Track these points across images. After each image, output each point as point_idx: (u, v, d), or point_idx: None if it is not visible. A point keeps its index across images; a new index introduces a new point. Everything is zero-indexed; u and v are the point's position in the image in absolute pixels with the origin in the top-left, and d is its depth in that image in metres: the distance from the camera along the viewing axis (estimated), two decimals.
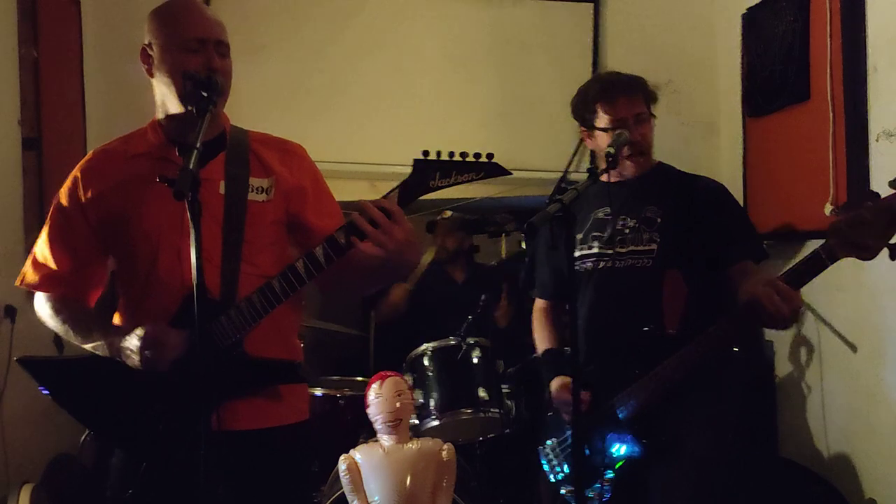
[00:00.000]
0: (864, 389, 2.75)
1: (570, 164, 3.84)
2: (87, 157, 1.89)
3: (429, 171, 1.61)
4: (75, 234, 1.83)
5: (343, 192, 3.33)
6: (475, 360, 3.10)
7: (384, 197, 1.63)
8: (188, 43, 1.73)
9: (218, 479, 1.47)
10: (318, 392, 3.42)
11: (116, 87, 3.78)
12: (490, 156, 1.62)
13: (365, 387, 2.55)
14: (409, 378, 3.07)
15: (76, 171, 1.86)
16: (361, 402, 2.62)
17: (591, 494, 2.07)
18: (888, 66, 2.62)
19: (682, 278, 2.05)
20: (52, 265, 1.84)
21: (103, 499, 3.10)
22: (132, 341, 1.68)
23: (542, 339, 2.39)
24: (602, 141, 2.17)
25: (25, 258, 1.92)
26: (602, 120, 2.18)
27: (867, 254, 1.71)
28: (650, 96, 2.21)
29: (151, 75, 1.82)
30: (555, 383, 2.25)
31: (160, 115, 1.85)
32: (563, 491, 2.21)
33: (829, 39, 2.86)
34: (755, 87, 3.44)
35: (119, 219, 1.78)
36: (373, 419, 2.45)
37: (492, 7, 3.93)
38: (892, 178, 1.70)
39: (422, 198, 3.71)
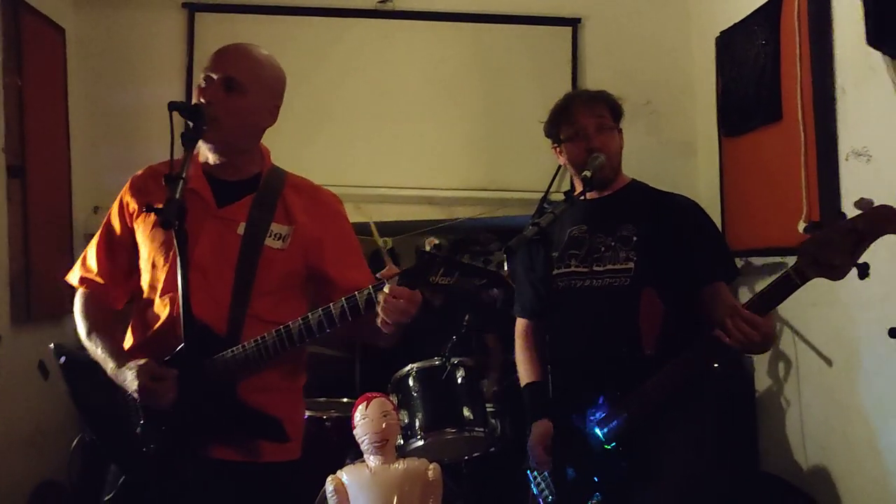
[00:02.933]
0: (839, 403, 2.80)
1: (551, 184, 3.89)
2: (140, 171, 1.96)
3: (433, 266, 1.60)
4: (117, 241, 1.91)
5: None
6: (459, 380, 3.13)
7: (382, 275, 1.65)
8: (199, 79, 1.82)
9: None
10: (304, 415, 3.43)
11: (100, 114, 3.82)
12: (501, 266, 1.61)
13: (350, 408, 2.56)
14: (394, 398, 3.09)
15: (128, 183, 1.93)
16: (347, 424, 2.64)
17: None
18: (855, 88, 2.69)
19: (658, 297, 2.05)
20: (95, 268, 1.92)
21: None
22: (128, 377, 1.72)
23: (525, 370, 2.36)
24: (570, 153, 2.17)
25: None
26: (565, 131, 2.19)
27: (835, 273, 1.71)
28: (615, 108, 2.21)
29: None
30: (536, 430, 2.22)
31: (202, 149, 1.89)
32: None
33: (798, 62, 2.93)
34: (730, 107, 3.51)
35: (143, 237, 1.85)
36: (359, 440, 2.47)
37: (472, 30, 4.00)
38: (859, 198, 1.74)
39: (403, 220, 3.71)
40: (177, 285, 1.65)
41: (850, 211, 2.69)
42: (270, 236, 1.81)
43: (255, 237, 1.79)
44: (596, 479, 2.03)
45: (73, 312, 1.96)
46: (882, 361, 2.57)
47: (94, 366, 1.83)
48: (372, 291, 1.64)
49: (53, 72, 3.58)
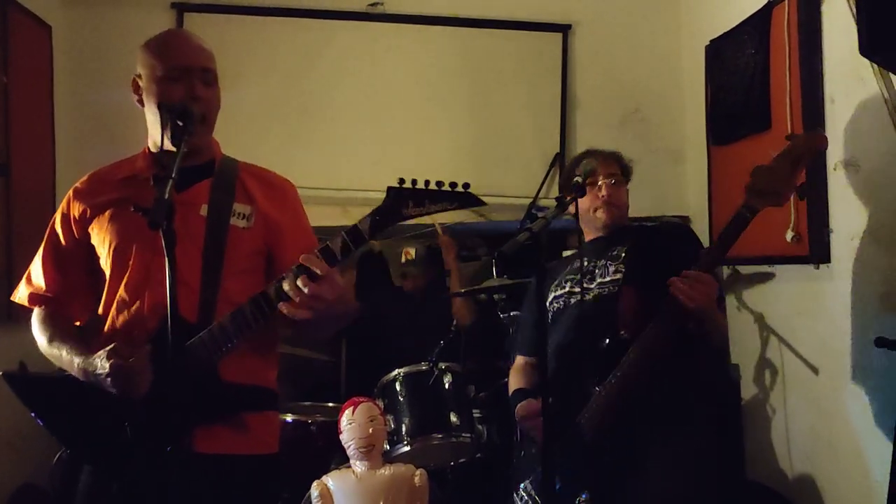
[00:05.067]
0: (825, 411, 2.81)
1: (539, 189, 3.91)
2: (81, 180, 1.93)
3: (402, 199, 1.60)
4: (66, 254, 1.88)
5: (317, 217, 3.32)
6: (446, 386, 3.12)
7: (357, 223, 1.64)
8: (171, 72, 1.76)
9: (185, 500, 1.47)
10: (289, 418, 3.40)
11: (87, 113, 3.78)
12: (466, 185, 1.60)
13: (336, 413, 2.55)
14: (380, 403, 3.07)
15: (70, 192, 1.91)
16: (333, 428, 2.62)
17: None
18: (844, 98, 2.71)
19: (636, 291, 2.14)
20: (42, 284, 1.89)
21: None
22: (97, 364, 1.68)
23: (514, 385, 2.43)
24: (583, 203, 2.30)
25: None
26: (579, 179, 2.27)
27: (779, 199, 1.94)
28: (626, 168, 2.41)
29: (142, 105, 1.84)
30: (520, 407, 2.28)
31: (150, 144, 1.88)
32: None
33: (787, 71, 2.95)
34: (719, 116, 3.52)
35: (100, 240, 1.82)
36: (346, 445, 2.46)
37: (463, 36, 4.00)
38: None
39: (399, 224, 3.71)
40: (146, 282, 1.70)
41: (838, 218, 2.72)
42: (234, 216, 1.80)
43: (219, 218, 1.78)
44: (582, 473, 2.06)
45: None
46: (868, 370, 2.58)
47: (50, 380, 1.82)
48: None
49: (39, 69, 3.55)
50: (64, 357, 1.79)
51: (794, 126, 2.91)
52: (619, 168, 2.39)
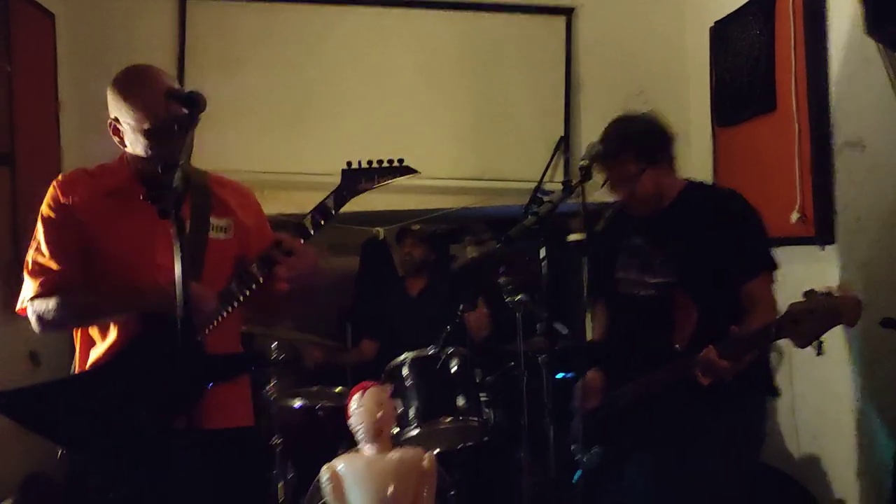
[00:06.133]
0: (832, 393, 2.81)
1: (544, 173, 3.90)
2: (61, 176, 1.98)
3: (356, 177, 1.88)
4: (68, 235, 1.90)
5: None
6: (454, 369, 3.13)
7: (323, 201, 1.88)
8: (157, 124, 1.83)
9: (192, 476, 1.54)
10: (297, 403, 3.43)
11: (90, 101, 3.73)
12: (401, 160, 1.92)
13: (343, 398, 2.57)
14: (388, 388, 3.09)
15: (54, 185, 1.94)
16: (340, 414, 2.64)
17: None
18: (850, 78, 2.70)
19: (691, 299, 2.19)
20: (55, 267, 1.90)
21: None
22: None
23: (596, 332, 2.61)
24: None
25: None
26: (601, 177, 2.31)
27: (801, 341, 1.90)
28: (643, 147, 2.27)
29: (124, 146, 1.93)
30: (586, 377, 2.44)
31: (130, 156, 1.94)
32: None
33: (793, 52, 2.93)
34: (724, 97, 3.51)
35: (88, 238, 1.89)
36: (354, 429, 2.47)
37: (465, 20, 3.98)
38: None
39: (396, 210, 3.75)
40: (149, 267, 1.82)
41: (843, 199, 2.72)
42: (213, 229, 1.95)
43: (199, 232, 1.92)
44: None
45: None
46: (874, 352, 2.58)
47: (39, 390, 1.88)
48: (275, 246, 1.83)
49: (43, 58, 3.53)
50: (116, 296, 1.86)
51: (799, 107, 2.89)
52: (631, 155, 2.26)
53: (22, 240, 3.19)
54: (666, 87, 3.96)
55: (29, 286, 1.92)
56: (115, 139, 1.93)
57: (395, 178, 1.92)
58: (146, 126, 1.83)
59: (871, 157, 2.62)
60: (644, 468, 2.32)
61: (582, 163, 2.09)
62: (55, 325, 1.91)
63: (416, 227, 3.96)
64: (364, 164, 1.89)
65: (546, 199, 1.96)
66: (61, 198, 1.91)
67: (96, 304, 1.88)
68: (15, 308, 1.98)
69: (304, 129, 3.82)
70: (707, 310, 2.18)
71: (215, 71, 3.72)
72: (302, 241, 1.86)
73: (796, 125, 2.90)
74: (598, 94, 3.99)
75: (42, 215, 1.94)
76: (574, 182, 2.08)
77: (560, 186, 2.10)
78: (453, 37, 3.99)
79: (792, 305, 1.90)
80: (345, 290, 4.72)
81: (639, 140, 2.28)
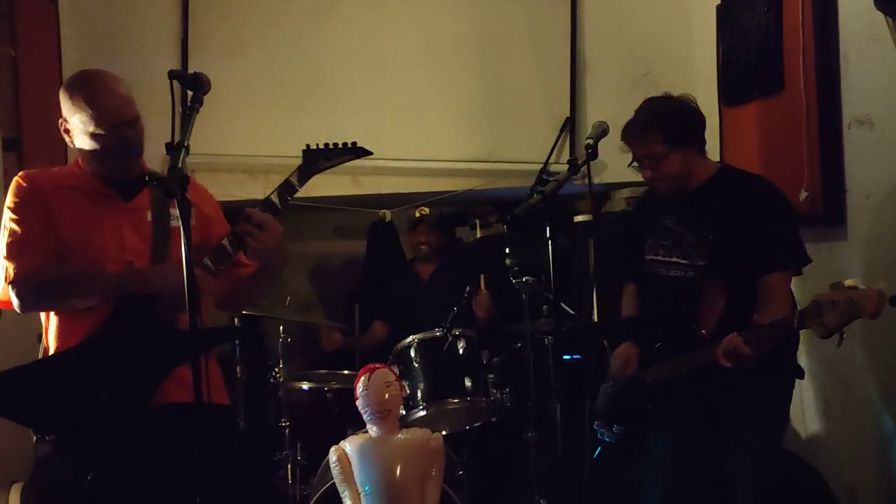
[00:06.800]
0: (839, 373, 2.81)
1: (550, 155, 3.88)
2: (23, 172, 2.05)
3: (316, 157, 2.04)
4: (41, 218, 1.96)
5: (326, 186, 3.37)
6: (461, 351, 3.14)
7: (288, 178, 2.02)
8: (104, 130, 1.93)
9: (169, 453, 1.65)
10: (306, 386, 3.45)
11: None
12: (354, 143, 2.09)
13: (351, 380, 2.57)
14: (395, 369, 3.10)
15: (18, 179, 2.01)
16: (349, 396, 2.65)
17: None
18: (859, 55, 2.67)
19: (722, 287, 2.23)
20: (36, 248, 1.95)
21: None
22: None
23: (626, 310, 2.65)
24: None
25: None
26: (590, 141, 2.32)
27: (824, 331, 1.91)
28: (670, 129, 2.28)
29: (73, 144, 2.03)
30: (620, 348, 2.51)
31: (81, 160, 2.05)
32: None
33: (801, 29, 2.90)
34: (730, 77, 3.47)
35: (56, 225, 1.96)
36: (362, 411, 2.47)
37: (470, 0, 3.95)
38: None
39: (401, 192, 3.75)
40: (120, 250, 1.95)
41: (852, 178, 2.70)
42: (173, 218, 2.03)
43: (162, 221, 2.04)
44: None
45: None
46: (883, 331, 2.57)
47: (12, 374, 1.89)
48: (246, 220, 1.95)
49: (47, 43, 3.52)
50: (105, 276, 1.94)
51: (807, 85, 2.87)
52: (658, 135, 2.28)
53: None
54: (672, 66, 3.92)
55: (10, 271, 1.96)
56: (67, 138, 2.02)
57: (351, 158, 2.07)
58: (91, 129, 1.92)
59: (880, 135, 2.59)
60: (666, 448, 2.40)
61: (588, 141, 2.07)
62: (46, 298, 1.97)
63: (426, 211, 3.95)
64: (321, 146, 2.06)
65: (552, 179, 1.96)
66: (26, 185, 1.99)
67: (90, 282, 1.94)
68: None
69: (309, 113, 3.80)
70: (736, 297, 2.22)
71: (219, 54, 3.70)
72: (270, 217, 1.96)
73: (804, 103, 2.88)
74: (604, 74, 3.97)
75: (10, 206, 1.99)
76: (580, 161, 2.07)
77: (566, 168, 2.09)
78: (458, 17, 3.95)
79: (816, 296, 1.94)
80: (352, 274, 4.72)
81: (667, 122, 2.30)
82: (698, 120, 2.37)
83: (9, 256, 1.96)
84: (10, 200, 1.99)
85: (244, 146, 3.70)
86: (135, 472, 1.87)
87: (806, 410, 3.00)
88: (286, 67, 3.83)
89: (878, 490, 2.65)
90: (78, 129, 1.96)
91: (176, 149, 1.47)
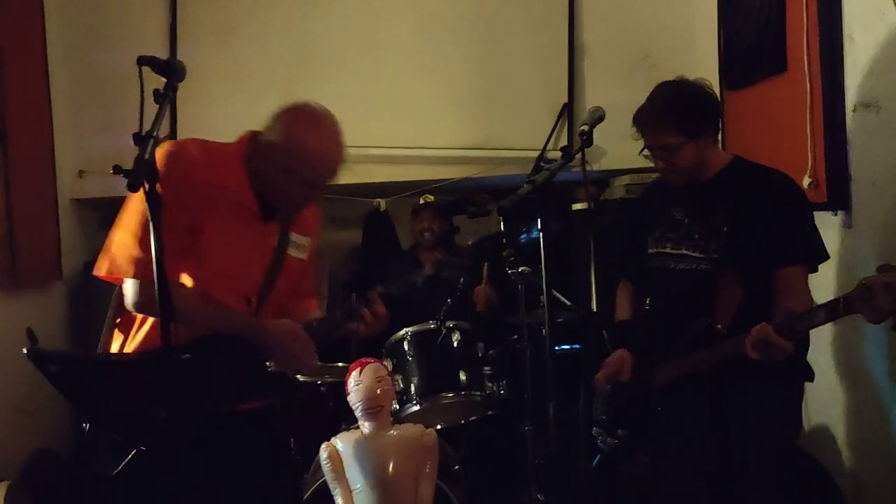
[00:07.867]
0: (844, 363, 2.75)
1: (547, 141, 3.82)
2: (176, 149, 1.90)
3: (354, 307, 2.01)
4: (185, 211, 1.85)
5: None
6: (455, 344, 3.09)
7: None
8: (305, 183, 1.96)
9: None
10: (300, 378, 3.39)
11: (82, 76, 3.71)
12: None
13: (345, 372, 2.53)
14: (388, 363, 3.04)
15: (173, 158, 1.86)
16: (343, 389, 2.60)
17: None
18: (864, 36, 2.59)
19: (737, 281, 2.13)
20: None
21: (83, 488, 3.09)
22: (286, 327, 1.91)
23: (622, 311, 2.55)
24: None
25: None
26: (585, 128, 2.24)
27: (876, 316, 1.75)
28: (685, 124, 2.17)
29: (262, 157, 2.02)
30: (613, 355, 2.39)
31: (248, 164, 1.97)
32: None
33: (804, 10, 2.82)
34: (733, 59, 3.41)
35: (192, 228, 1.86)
36: (353, 406, 2.43)
37: None
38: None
39: (396, 181, 3.68)
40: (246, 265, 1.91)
41: (858, 163, 2.63)
42: (291, 246, 2.02)
43: (281, 248, 2.00)
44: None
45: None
46: (887, 323, 2.51)
47: (76, 358, 1.89)
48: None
49: (33, 34, 3.47)
50: (228, 313, 1.90)
51: (811, 67, 2.79)
52: (673, 126, 2.17)
53: (17, 216, 3.15)
54: (672, 49, 3.85)
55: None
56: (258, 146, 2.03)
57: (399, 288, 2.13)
58: (303, 177, 1.92)
59: (886, 119, 2.52)
60: (676, 450, 2.29)
61: (582, 128, 2.02)
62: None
63: (430, 198, 3.88)
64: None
65: (546, 167, 1.90)
66: (172, 178, 1.77)
67: (207, 319, 1.87)
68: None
69: (301, 97, 3.71)
70: (754, 290, 2.13)
71: (208, 40, 3.64)
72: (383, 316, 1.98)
73: (808, 86, 2.81)
74: (603, 59, 3.91)
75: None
76: (574, 149, 2.01)
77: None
78: (454, 2, 3.89)
79: (865, 279, 1.79)
80: (348, 264, 4.67)
81: (681, 112, 2.18)
82: (714, 107, 2.26)
83: (142, 247, 1.79)
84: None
85: (233, 132, 3.64)
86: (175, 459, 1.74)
87: (810, 401, 2.95)
88: (276, 53, 3.77)
89: (883, 484, 2.60)
90: (284, 162, 1.89)
91: (144, 139, 1.40)
